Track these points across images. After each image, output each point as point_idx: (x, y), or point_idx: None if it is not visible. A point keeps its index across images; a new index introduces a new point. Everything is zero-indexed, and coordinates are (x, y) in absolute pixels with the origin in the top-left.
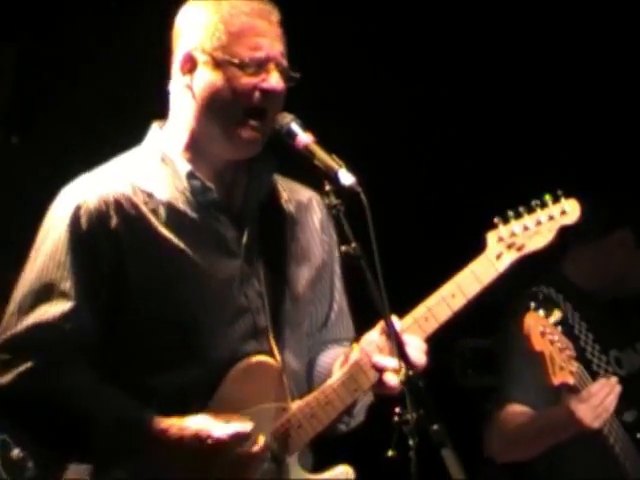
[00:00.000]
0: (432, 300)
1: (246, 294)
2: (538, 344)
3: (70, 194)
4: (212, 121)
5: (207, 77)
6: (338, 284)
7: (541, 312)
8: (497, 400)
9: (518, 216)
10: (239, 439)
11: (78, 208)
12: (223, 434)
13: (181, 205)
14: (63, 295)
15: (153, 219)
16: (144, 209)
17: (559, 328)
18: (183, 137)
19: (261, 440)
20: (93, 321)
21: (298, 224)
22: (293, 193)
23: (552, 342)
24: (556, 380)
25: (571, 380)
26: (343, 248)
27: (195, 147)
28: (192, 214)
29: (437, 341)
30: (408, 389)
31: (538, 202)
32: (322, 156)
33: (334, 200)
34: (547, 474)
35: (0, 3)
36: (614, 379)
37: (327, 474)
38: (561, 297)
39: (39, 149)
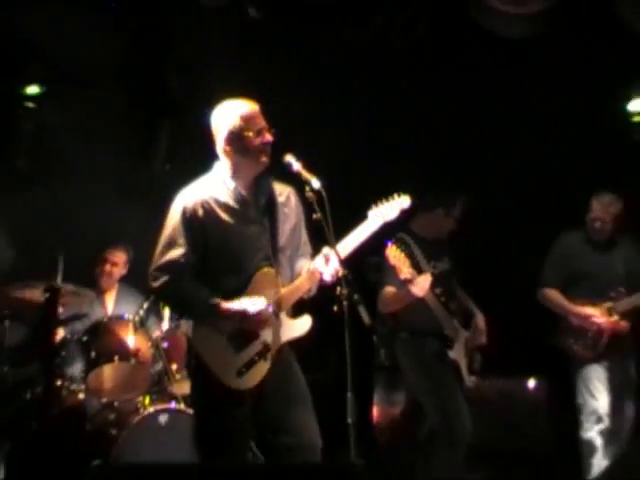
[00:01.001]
0: (346, 239)
1: (261, 240)
2: (394, 260)
3: (180, 198)
4: (246, 156)
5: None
6: (303, 231)
7: (397, 246)
8: (381, 285)
9: (382, 202)
10: (259, 309)
11: (185, 206)
12: (250, 308)
13: (230, 203)
14: (180, 245)
15: (218, 210)
16: (213, 206)
17: (404, 252)
18: (229, 168)
19: (270, 306)
20: (194, 256)
21: (284, 206)
22: (280, 189)
23: (401, 258)
24: (402, 276)
25: (409, 275)
26: (314, 216)
27: (235, 173)
28: (235, 206)
29: (357, 258)
30: (344, 279)
31: (392, 196)
32: (304, 173)
33: (310, 195)
34: (400, 323)
35: None
36: (429, 274)
37: (297, 320)
38: (409, 238)
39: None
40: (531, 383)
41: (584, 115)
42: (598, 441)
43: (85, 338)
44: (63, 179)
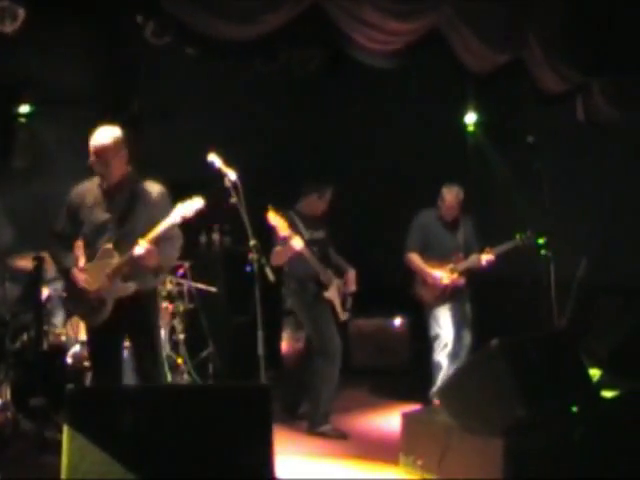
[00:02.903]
0: (155, 229)
1: (108, 225)
2: (274, 221)
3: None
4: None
5: None
6: (164, 222)
7: (276, 212)
8: (273, 245)
9: (182, 203)
10: (82, 279)
11: (69, 196)
12: (78, 278)
13: (95, 197)
14: (60, 222)
15: (87, 201)
16: (85, 198)
17: (284, 217)
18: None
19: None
20: (70, 229)
21: (147, 202)
22: (151, 188)
23: (280, 221)
24: (282, 233)
25: (287, 233)
26: (231, 200)
27: (103, 176)
28: (97, 200)
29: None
30: (254, 247)
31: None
32: (224, 168)
33: (229, 184)
34: (289, 275)
35: None
36: (299, 239)
37: (126, 284)
38: (292, 214)
39: None
40: (397, 320)
41: (432, 125)
42: (444, 362)
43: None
44: (50, 176)
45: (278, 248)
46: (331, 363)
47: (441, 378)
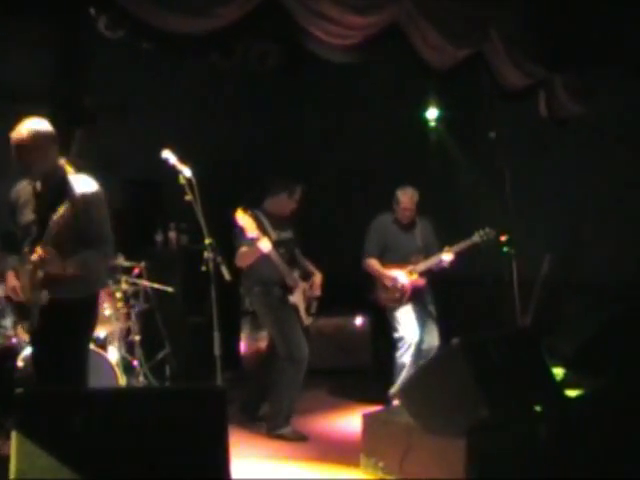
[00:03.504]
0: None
1: (32, 227)
2: (242, 221)
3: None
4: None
5: None
6: (92, 225)
7: (245, 212)
8: (237, 245)
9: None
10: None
11: (10, 193)
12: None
13: (29, 196)
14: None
15: (22, 199)
16: (20, 196)
17: (252, 217)
18: None
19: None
20: (13, 229)
21: (69, 203)
22: (78, 186)
23: (248, 222)
24: (250, 234)
25: (255, 234)
26: (186, 197)
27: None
28: (30, 199)
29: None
30: (209, 245)
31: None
32: (178, 165)
33: (183, 181)
34: (253, 278)
35: None
36: (267, 241)
37: (42, 291)
38: (260, 214)
39: None
40: (358, 320)
41: (393, 121)
42: (408, 363)
43: None
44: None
45: (244, 249)
46: (297, 369)
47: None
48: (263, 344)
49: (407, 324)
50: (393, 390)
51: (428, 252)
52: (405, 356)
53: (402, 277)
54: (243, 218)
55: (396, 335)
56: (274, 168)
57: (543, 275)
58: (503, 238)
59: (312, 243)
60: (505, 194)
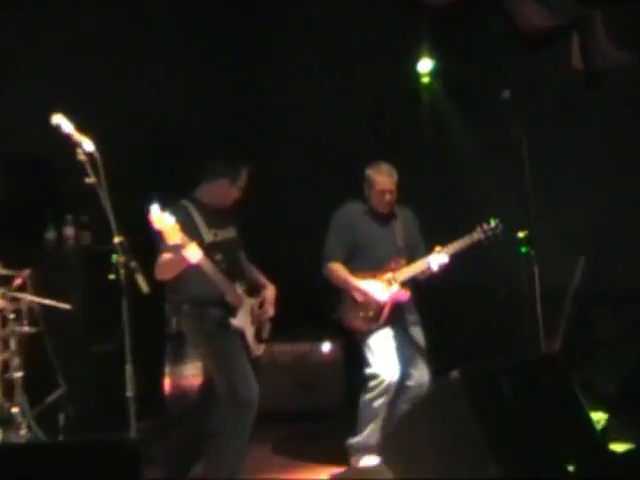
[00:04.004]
0: None
1: None
2: (158, 224)
3: None
4: None
5: None
6: None
7: (169, 214)
8: (158, 250)
9: None
10: None
11: None
12: None
13: None
14: None
15: None
16: None
17: (176, 217)
18: None
19: None
20: None
21: None
22: None
23: (167, 223)
24: (171, 241)
25: (179, 240)
26: (86, 180)
27: None
28: None
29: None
30: (120, 245)
31: None
32: (76, 135)
33: (83, 157)
34: (181, 294)
35: None
36: (196, 247)
37: None
38: (191, 206)
39: None
40: (326, 347)
41: (375, 76)
42: (382, 412)
43: None
44: None
45: (165, 257)
46: (243, 415)
47: (374, 429)
48: (195, 381)
49: (384, 356)
50: (355, 441)
51: (412, 254)
52: (378, 400)
53: (378, 289)
54: (160, 220)
55: (368, 371)
56: (212, 143)
57: (576, 284)
58: (521, 235)
59: (263, 245)
60: (522, 176)
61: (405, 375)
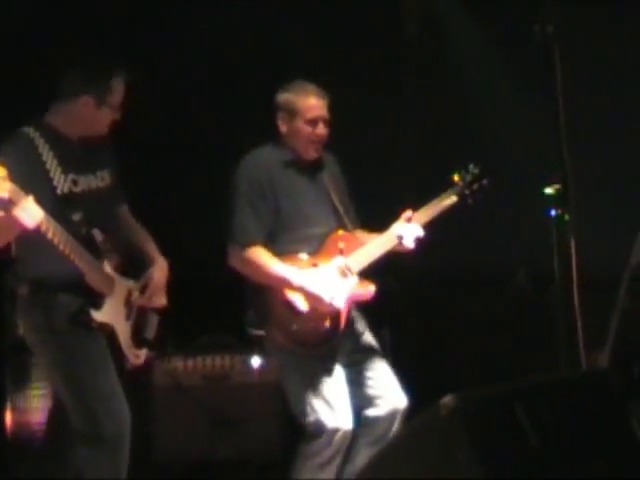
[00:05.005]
0: None
1: None
2: None
3: None
4: None
5: None
6: None
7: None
8: None
9: None
10: None
11: None
12: None
13: None
14: None
15: None
16: None
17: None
18: None
19: None
20: None
21: None
22: None
23: None
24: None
25: (6, 194)
26: None
27: None
28: None
29: None
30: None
31: None
32: None
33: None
34: (19, 272)
35: None
36: (34, 205)
37: None
38: (38, 136)
39: None
40: (254, 360)
41: None
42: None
43: None
44: None
45: None
46: (110, 453)
47: None
48: (37, 416)
49: (332, 390)
50: None
51: (349, 218)
52: (325, 453)
53: (333, 285)
54: None
55: (308, 420)
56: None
57: (635, 268)
58: (550, 191)
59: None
60: (557, 121)
61: (369, 403)
